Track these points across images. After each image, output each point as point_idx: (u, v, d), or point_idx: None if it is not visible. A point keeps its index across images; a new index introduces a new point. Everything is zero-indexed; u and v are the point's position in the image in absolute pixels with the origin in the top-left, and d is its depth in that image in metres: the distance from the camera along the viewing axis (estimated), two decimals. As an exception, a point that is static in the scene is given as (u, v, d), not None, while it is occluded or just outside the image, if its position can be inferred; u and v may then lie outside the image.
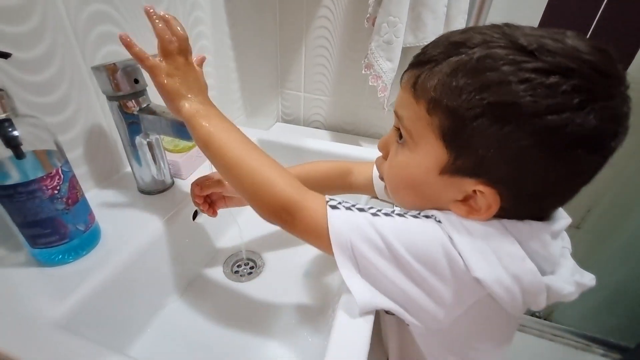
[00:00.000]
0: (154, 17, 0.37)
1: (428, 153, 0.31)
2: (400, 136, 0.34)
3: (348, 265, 0.32)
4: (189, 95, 0.37)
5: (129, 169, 0.51)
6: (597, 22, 0.76)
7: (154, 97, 0.46)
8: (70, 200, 0.37)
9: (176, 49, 0.37)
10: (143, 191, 0.51)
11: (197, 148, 0.58)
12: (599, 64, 0.25)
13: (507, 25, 0.29)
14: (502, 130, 0.26)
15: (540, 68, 0.25)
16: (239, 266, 0.59)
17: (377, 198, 0.53)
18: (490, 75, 0.26)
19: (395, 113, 0.35)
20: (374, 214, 0.32)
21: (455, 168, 0.30)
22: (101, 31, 0.46)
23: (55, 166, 0.36)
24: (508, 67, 0.26)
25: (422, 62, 0.31)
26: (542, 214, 0.32)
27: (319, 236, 0.33)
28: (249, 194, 0.36)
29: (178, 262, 0.52)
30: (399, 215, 0.32)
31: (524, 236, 0.29)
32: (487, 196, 0.29)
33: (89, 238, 0.41)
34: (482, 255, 0.29)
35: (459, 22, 0.75)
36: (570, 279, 0.31)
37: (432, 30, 0.74)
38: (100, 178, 0.52)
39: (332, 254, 0.32)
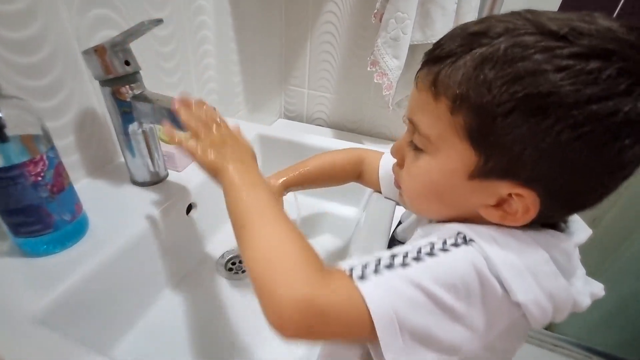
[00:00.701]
0: (180, 109, 0.36)
1: (453, 157, 0.29)
2: (415, 147, 0.31)
3: (394, 345, 0.25)
4: (226, 166, 0.34)
5: (123, 159, 0.49)
6: (620, 8, 0.73)
7: (149, 84, 0.45)
8: (55, 188, 0.35)
9: (203, 125, 0.36)
10: (136, 182, 0.49)
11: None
12: (638, 42, 0.23)
13: (527, 11, 0.26)
14: (541, 125, 0.24)
15: (577, 53, 0.23)
16: (233, 263, 0.57)
17: (379, 192, 0.51)
18: (521, 66, 0.24)
19: (410, 120, 0.32)
20: (404, 264, 0.27)
21: (487, 171, 0.27)
22: (97, 14, 0.45)
23: (41, 152, 0.34)
24: (541, 55, 0.23)
25: (439, 57, 0.28)
26: (572, 213, 0.30)
27: (360, 327, 0.25)
28: (259, 288, 0.27)
29: (170, 257, 0.50)
30: (428, 254, 0.27)
31: (552, 249, 0.28)
32: (526, 199, 0.27)
33: (75, 228, 0.39)
34: (521, 276, 0.26)
35: (469, 20, 0.73)
36: (585, 289, 0.30)
37: (441, 28, 0.72)
38: (93, 167, 0.50)
39: (373, 339, 0.26)
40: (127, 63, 0.40)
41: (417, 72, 0.31)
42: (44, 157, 0.34)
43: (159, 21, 0.37)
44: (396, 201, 0.50)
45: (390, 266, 0.27)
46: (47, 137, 0.35)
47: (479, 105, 0.25)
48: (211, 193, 0.56)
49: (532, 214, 0.27)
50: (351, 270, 0.27)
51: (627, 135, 0.23)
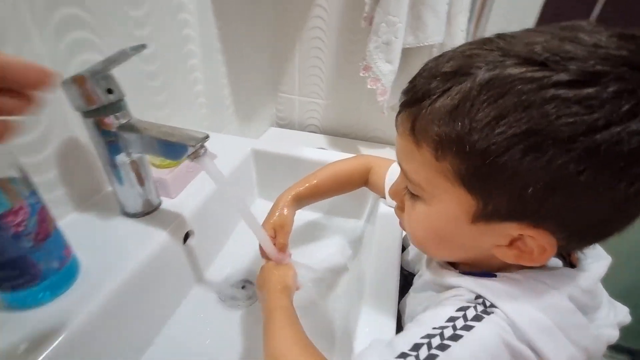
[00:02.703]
0: None
1: (450, 202, 0.26)
2: (411, 193, 0.30)
3: None
4: (265, 295, 0.41)
5: (111, 187, 0.46)
6: (602, 7, 0.72)
7: (136, 105, 0.42)
8: (40, 236, 0.32)
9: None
10: (127, 214, 0.46)
11: (186, 162, 0.54)
12: (633, 57, 0.20)
13: (499, 36, 0.24)
14: (539, 161, 0.21)
15: (564, 81, 0.20)
16: (237, 290, 0.54)
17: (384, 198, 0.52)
18: (503, 102, 0.21)
19: (400, 165, 0.30)
20: (431, 357, 0.24)
21: (489, 213, 0.25)
22: (74, 37, 0.41)
23: (21, 197, 0.31)
24: (524, 86, 0.21)
25: (414, 100, 0.26)
26: (597, 243, 0.28)
27: None
28: None
29: (169, 290, 0.47)
30: (452, 338, 0.25)
31: (576, 295, 0.26)
32: (539, 239, 0.25)
33: (65, 275, 0.36)
34: (552, 336, 0.24)
35: (461, 21, 0.71)
36: (611, 320, 0.28)
37: (434, 30, 0.70)
38: (80, 200, 0.47)
39: None
40: (109, 91, 0.37)
41: (397, 115, 0.29)
42: (25, 204, 0.31)
43: (142, 46, 0.34)
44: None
45: None
46: (25, 180, 0.32)
47: (465, 149, 0.23)
48: (208, 218, 0.54)
49: (550, 254, 0.25)
50: None
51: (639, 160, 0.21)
